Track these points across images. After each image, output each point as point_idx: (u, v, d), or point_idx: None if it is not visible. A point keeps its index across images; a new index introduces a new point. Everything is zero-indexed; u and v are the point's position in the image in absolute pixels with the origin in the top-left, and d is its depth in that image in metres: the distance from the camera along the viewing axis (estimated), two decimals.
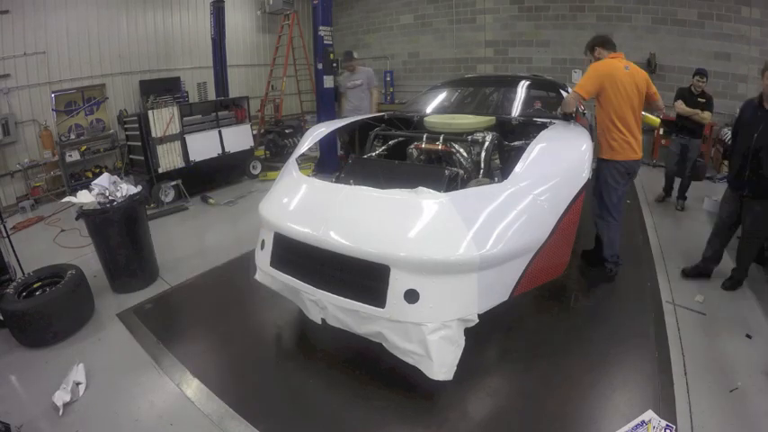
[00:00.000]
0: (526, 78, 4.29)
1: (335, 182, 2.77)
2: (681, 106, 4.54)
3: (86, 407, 2.12)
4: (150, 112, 5.14)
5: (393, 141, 3.41)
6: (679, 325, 2.62)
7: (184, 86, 7.67)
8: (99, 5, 6.50)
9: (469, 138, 2.97)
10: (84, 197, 3.10)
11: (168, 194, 5.37)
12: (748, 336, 2.49)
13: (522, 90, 3.99)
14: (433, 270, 1.89)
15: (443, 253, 1.87)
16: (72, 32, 6.23)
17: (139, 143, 5.25)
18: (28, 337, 2.61)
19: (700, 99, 4.48)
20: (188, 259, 3.82)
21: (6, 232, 3.19)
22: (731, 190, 3.02)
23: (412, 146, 3.17)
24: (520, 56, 7.96)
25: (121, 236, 3.14)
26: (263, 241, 2.47)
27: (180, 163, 5.46)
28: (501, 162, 3.00)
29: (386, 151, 3.40)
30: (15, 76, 5.67)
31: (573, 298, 2.92)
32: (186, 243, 4.37)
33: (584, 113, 4.21)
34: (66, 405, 2.08)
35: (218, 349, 2.57)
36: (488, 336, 2.54)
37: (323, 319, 2.15)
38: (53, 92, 6.06)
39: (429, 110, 4.09)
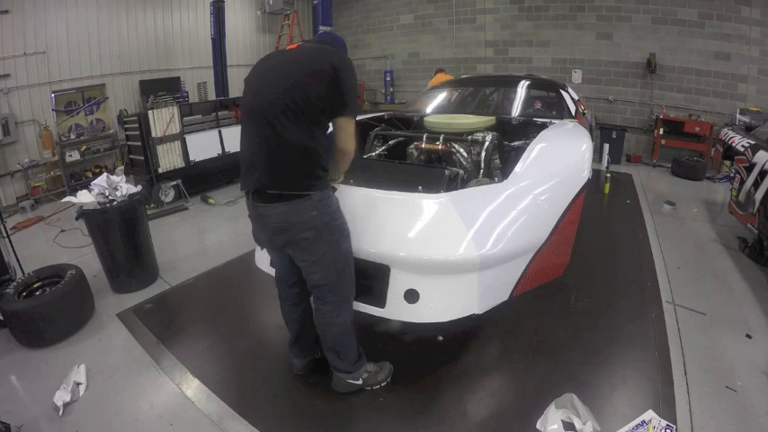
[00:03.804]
0: (525, 78, 4.29)
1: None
2: None
3: (86, 407, 2.12)
4: (150, 112, 5.14)
5: (393, 141, 3.41)
6: (679, 325, 2.62)
7: (184, 86, 7.67)
8: (99, 5, 6.50)
9: (469, 138, 2.97)
10: (84, 197, 3.10)
11: (168, 194, 5.37)
12: (748, 336, 2.49)
13: (521, 90, 3.99)
14: (433, 270, 1.89)
15: (443, 253, 1.87)
16: (72, 32, 6.23)
17: (139, 143, 5.25)
18: (28, 337, 2.60)
19: None
20: (188, 259, 3.81)
21: (6, 232, 3.18)
22: None
23: (412, 146, 3.16)
24: (520, 56, 7.97)
25: (121, 236, 3.14)
26: None
27: (180, 163, 5.46)
28: (501, 162, 3.00)
29: (386, 151, 3.39)
30: (15, 76, 5.67)
31: (573, 298, 2.92)
32: (186, 243, 4.37)
33: (584, 113, 4.21)
34: (66, 405, 2.08)
35: (218, 349, 2.57)
36: (488, 336, 2.55)
37: None
38: (53, 92, 6.06)
39: (429, 110, 4.08)
